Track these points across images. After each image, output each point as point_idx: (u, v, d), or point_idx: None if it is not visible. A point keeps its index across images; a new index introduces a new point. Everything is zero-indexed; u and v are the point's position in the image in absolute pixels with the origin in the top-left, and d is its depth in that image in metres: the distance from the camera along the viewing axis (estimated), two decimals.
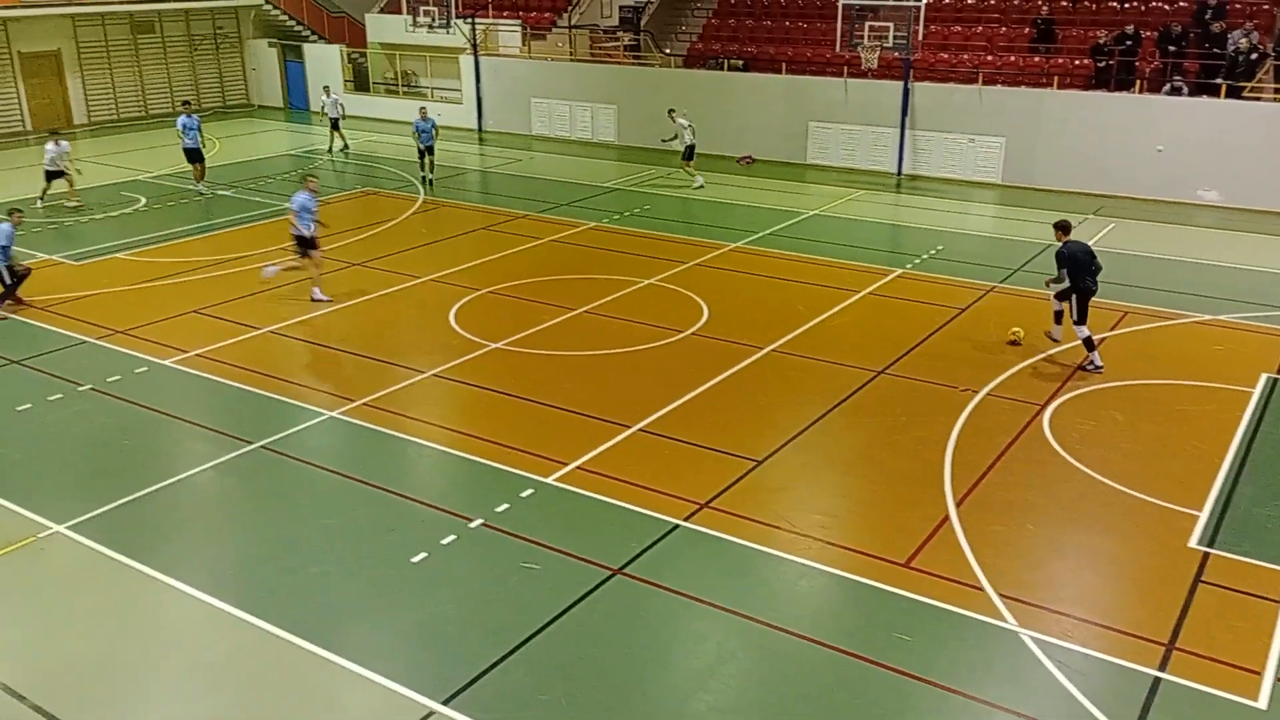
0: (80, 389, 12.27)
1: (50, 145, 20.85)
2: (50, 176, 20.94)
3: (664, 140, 24.36)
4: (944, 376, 12.62)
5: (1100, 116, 22.43)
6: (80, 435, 11.21)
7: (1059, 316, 13.35)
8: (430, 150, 23.39)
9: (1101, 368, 12.75)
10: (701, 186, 23.17)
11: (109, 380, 12.49)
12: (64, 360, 13.14)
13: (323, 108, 27.40)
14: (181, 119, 22.30)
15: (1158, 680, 7.40)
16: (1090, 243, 18.68)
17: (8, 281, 14.98)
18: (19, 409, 11.75)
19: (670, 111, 23.92)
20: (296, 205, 15.21)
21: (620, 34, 31.27)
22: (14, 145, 28.92)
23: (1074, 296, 12.73)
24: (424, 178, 23.44)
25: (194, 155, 22.41)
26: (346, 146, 27.44)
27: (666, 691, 7.36)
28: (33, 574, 8.73)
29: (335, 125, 27.17)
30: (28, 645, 7.88)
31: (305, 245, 15.31)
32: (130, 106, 32.92)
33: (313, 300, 15.28)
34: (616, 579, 8.58)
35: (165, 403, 11.95)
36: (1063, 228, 13.06)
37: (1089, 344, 12.78)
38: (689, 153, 23.26)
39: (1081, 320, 12.75)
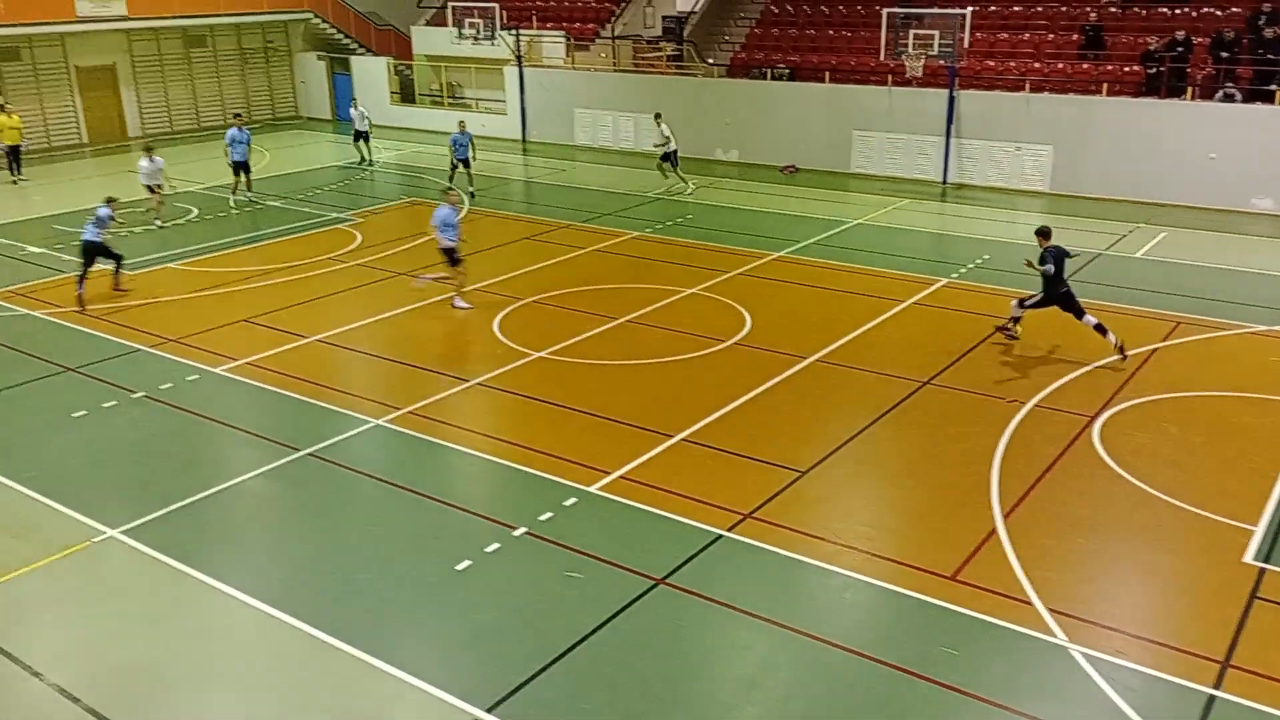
0: (134, 396, 12.51)
1: (144, 162, 20.82)
2: (152, 192, 21.04)
3: (655, 145, 24.30)
4: (991, 387, 12.49)
5: (1151, 124, 22.11)
6: (133, 441, 11.43)
7: (1016, 322, 14.01)
8: (466, 163, 23.45)
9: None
10: (692, 191, 23.76)
11: (161, 388, 12.73)
12: (118, 368, 13.41)
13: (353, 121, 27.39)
14: (231, 132, 22.62)
15: (1212, 698, 7.25)
16: (1140, 253, 18.57)
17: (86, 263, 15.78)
18: (74, 415, 12.01)
19: (656, 116, 24.20)
20: (438, 220, 15.50)
21: (663, 44, 31.36)
22: (72, 158, 29.59)
23: (1053, 303, 13.41)
24: (446, 188, 22.50)
25: (241, 167, 22.74)
26: (364, 160, 27.35)
27: (709, 702, 7.34)
28: (87, 578, 8.90)
29: (363, 137, 27.12)
30: (82, 648, 8.03)
31: (451, 257, 15.64)
32: (183, 119, 33.57)
33: (454, 307, 15.63)
34: (659, 589, 8.57)
35: (216, 410, 12.15)
36: (1044, 233, 13.63)
37: (1101, 328, 13.27)
38: (672, 158, 23.70)
39: (1081, 313, 13.37)
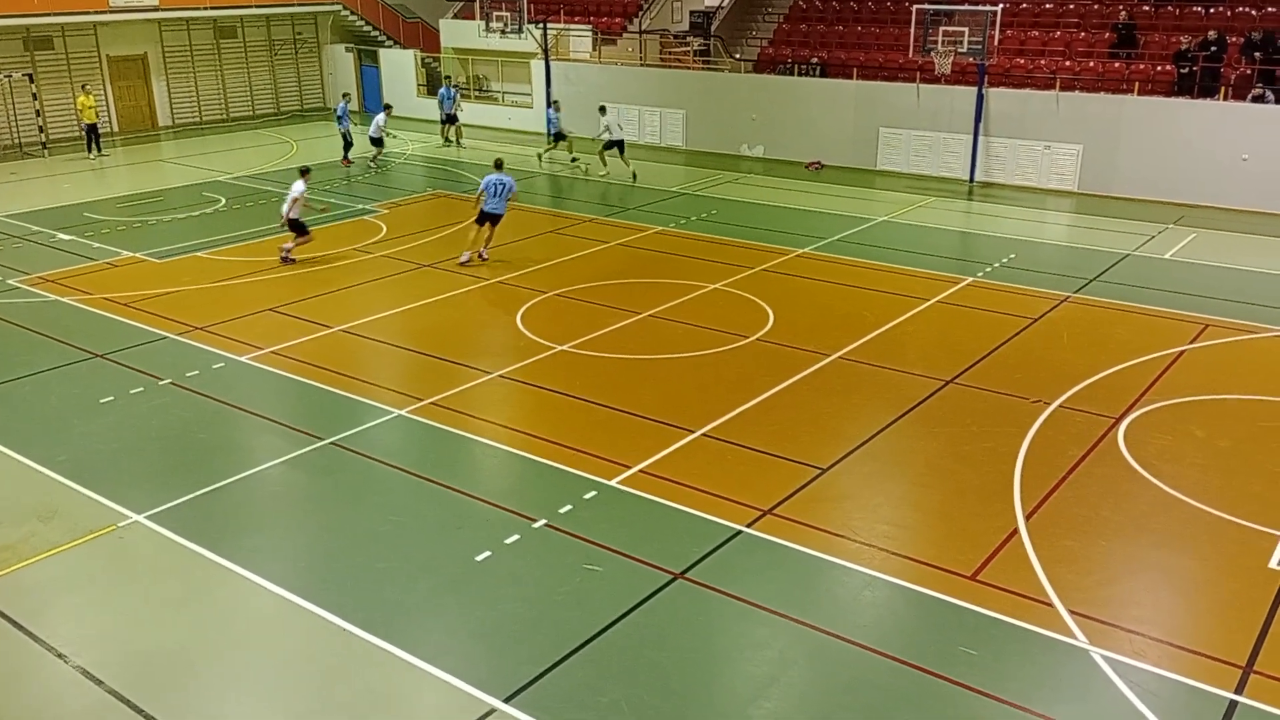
0: (160, 383, 12.64)
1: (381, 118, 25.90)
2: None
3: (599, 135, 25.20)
4: (1015, 387, 12.41)
5: (1183, 124, 21.87)
6: (160, 428, 11.54)
7: None
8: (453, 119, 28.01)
9: None
10: (582, 169, 25.36)
11: (188, 375, 12.84)
12: (145, 355, 13.55)
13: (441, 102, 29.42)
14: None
15: (1234, 703, 7.18)
16: (1169, 254, 18.38)
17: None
18: (102, 401, 12.14)
19: (601, 108, 25.48)
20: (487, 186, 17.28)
21: (690, 39, 31.29)
22: (103, 146, 29.82)
23: None
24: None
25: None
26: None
27: (727, 697, 7.34)
28: (112, 562, 9.01)
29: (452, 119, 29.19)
30: (106, 632, 8.13)
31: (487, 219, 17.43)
32: (212, 109, 33.83)
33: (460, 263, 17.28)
34: (678, 583, 8.58)
35: (241, 398, 12.25)
36: None
37: None
38: (611, 145, 24.70)
39: None
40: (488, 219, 17.45)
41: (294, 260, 17.52)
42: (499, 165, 17.98)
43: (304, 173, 18.07)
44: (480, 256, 17.53)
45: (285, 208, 17.43)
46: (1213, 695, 7.27)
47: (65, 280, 16.68)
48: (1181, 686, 7.37)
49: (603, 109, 25.63)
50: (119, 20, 30.31)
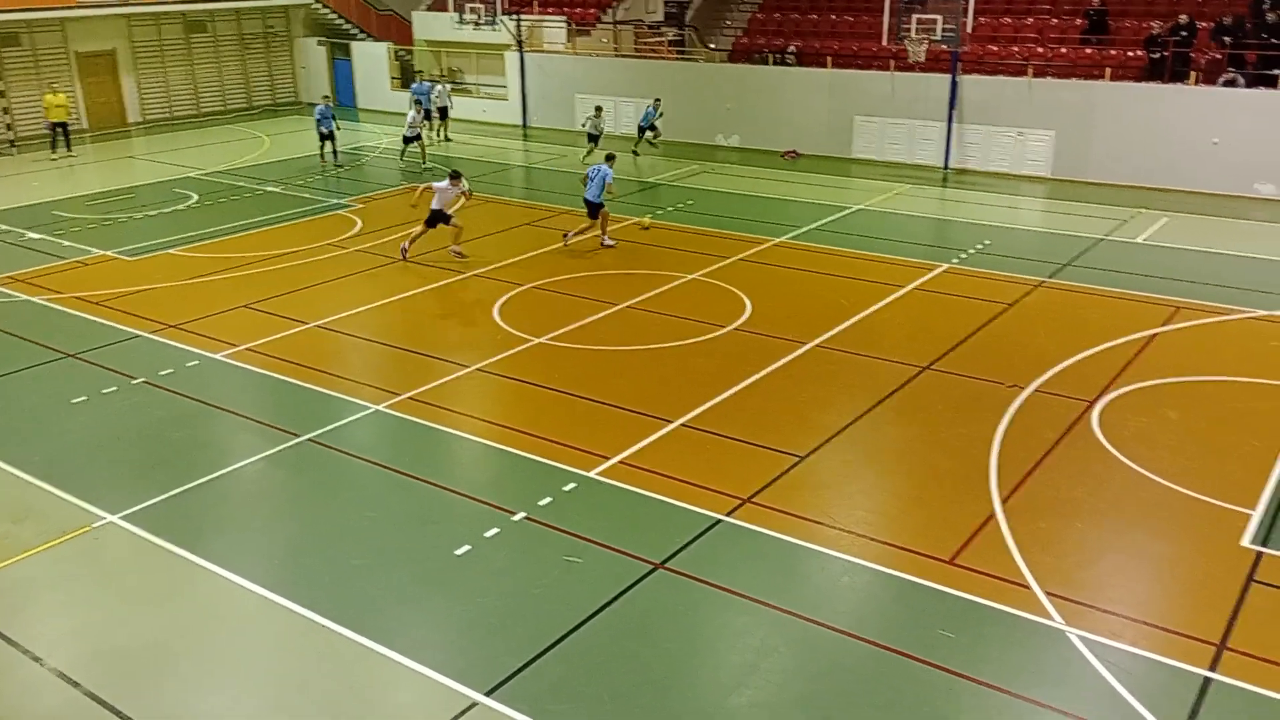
0: (133, 382, 12.52)
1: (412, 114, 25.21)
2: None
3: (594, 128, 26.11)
4: (990, 372, 12.48)
5: (1154, 109, 22.02)
6: (133, 427, 11.44)
7: None
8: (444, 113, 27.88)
9: None
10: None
11: (161, 373, 12.73)
12: (117, 354, 13.42)
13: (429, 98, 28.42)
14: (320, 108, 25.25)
15: (1208, 680, 7.27)
16: (1142, 238, 18.52)
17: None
18: (74, 401, 12.02)
19: (597, 109, 26.36)
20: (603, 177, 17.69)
21: (665, 29, 31.24)
22: (73, 143, 29.46)
23: None
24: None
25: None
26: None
27: (708, 686, 7.36)
28: (87, 563, 8.93)
29: (441, 115, 28.66)
30: (82, 633, 8.06)
31: (594, 211, 17.89)
32: (183, 105, 33.48)
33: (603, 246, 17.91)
34: (658, 573, 8.59)
35: (216, 396, 12.16)
36: None
37: None
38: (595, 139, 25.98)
39: None
40: (589, 208, 17.94)
41: (465, 255, 17.31)
42: (610, 159, 18.49)
43: (454, 177, 17.55)
44: (603, 244, 18.03)
45: (437, 203, 17.31)
46: (1187, 673, 7.35)
47: (35, 279, 16.49)
48: (1157, 665, 7.45)
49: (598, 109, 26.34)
50: (87, 15, 29.95)
